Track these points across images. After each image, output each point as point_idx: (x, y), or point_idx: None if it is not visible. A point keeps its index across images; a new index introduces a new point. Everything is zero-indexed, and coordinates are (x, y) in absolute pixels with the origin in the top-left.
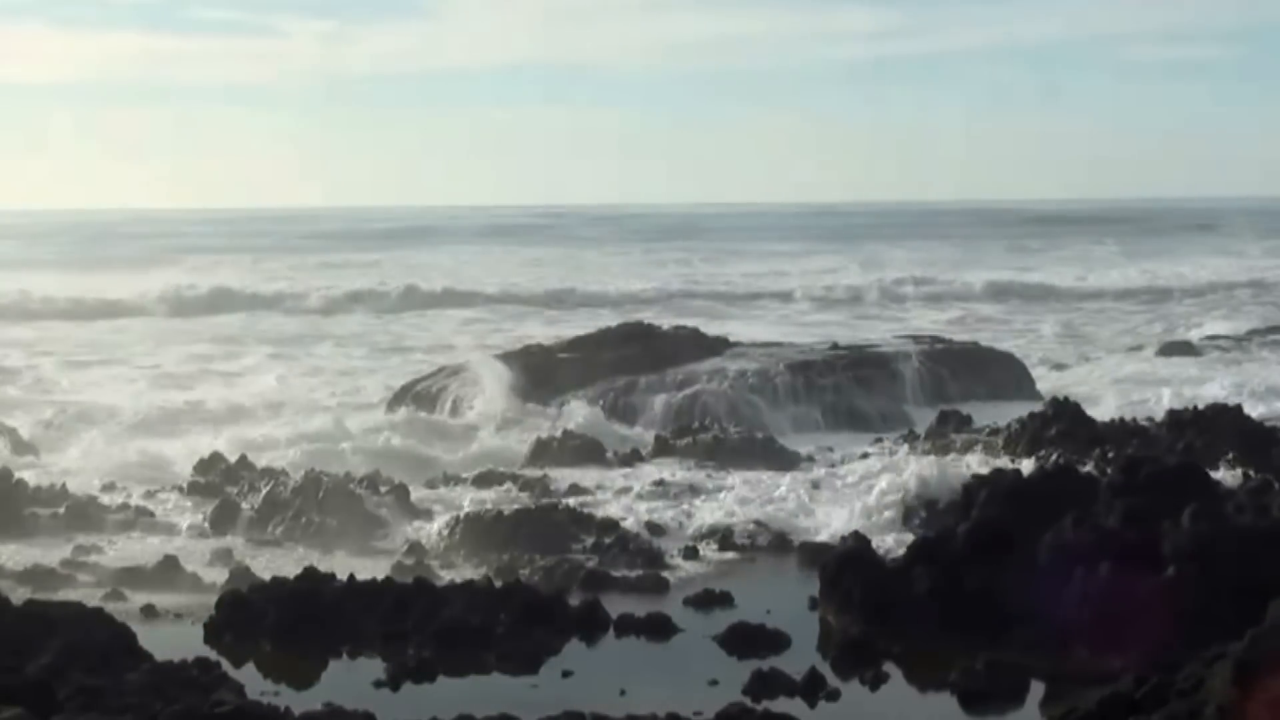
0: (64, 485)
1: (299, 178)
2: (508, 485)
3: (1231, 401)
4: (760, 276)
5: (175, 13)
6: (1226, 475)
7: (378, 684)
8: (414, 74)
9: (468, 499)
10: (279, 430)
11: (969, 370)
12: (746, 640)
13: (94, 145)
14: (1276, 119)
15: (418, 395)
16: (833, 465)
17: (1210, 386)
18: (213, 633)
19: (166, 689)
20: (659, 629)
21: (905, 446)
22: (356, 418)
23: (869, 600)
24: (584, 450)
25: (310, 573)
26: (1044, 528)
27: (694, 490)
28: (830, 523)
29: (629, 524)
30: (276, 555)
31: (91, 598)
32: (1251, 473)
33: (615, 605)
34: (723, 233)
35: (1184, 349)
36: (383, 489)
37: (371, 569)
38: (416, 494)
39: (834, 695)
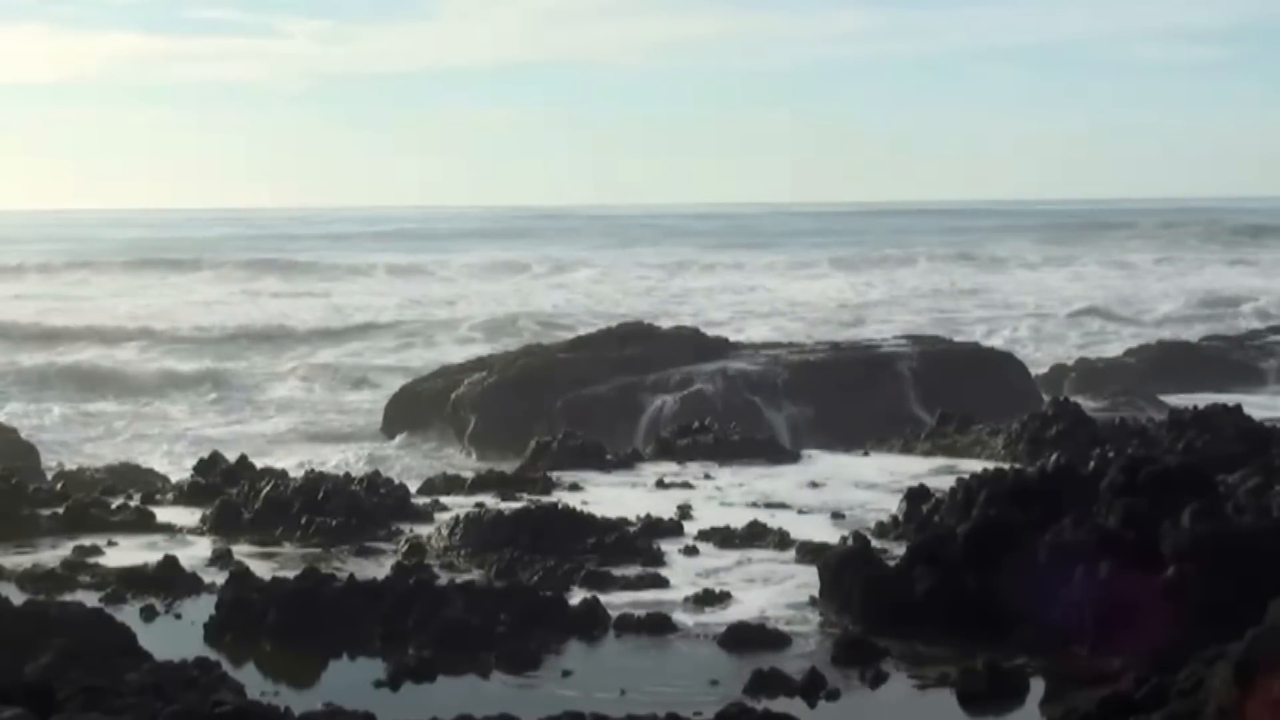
0: (63, 486)
1: (297, 177)
2: (507, 486)
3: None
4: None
5: (174, 13)
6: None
7: (378, 684)
8: (412, 73)
9: (468, 500)
10: None
11: (969, 371)
12: (746, 640)
13: (92, 145)
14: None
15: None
16: (833, 465)
17: None
18: (213, 633)
19: (166, 689)
20: (659, 629)
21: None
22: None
23: (869, 600)
24: (584, 451)
25: (310, 573)
26: (1044, 528)
27: (694, 490)
28: (830, 522)
29: (629, 524)
30: (276, 555)
31: (91, 599)
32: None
33: (615, 605)
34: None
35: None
36: (382, 489)
37: (371, 569)
38: (416, 495)
39: (834, 695)
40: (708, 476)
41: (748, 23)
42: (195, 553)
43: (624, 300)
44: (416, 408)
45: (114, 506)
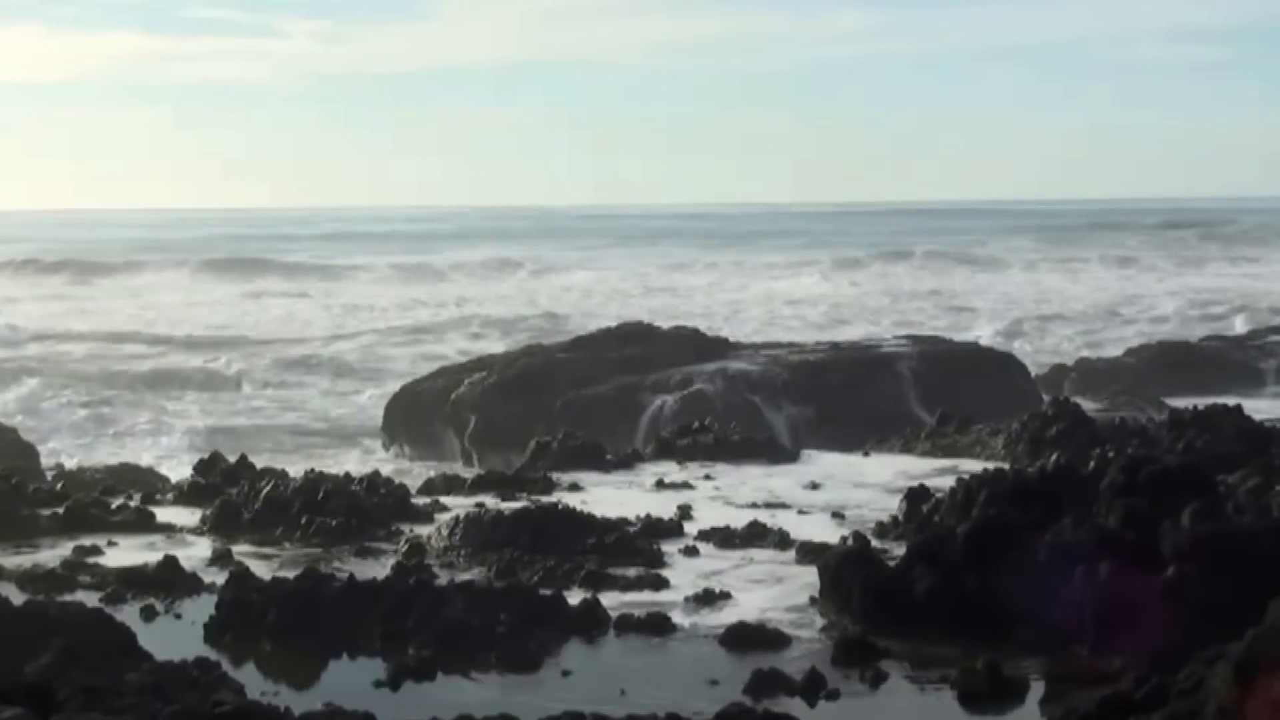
0: (63, 486)
1: (297, 177)
2: (507, 486)
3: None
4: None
5: (174, 13)
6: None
7: (378, 684)
8: (412, 73)
9: (468, 500)
10: None
11: (969, 371)
12: (746, 640)
13: (92, 145)
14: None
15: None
16: (833, 465)
17: None
18: (213, 633)
19: (166, 689)
20: (659, 629)
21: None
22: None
23: (869, 600)
24: (583, 451)
25: (310, 573)
26: (1044, 528)
27: (694, 490)
28: (830, 522)
29: (629, 524)
30: (276, 555)
31: (91, 599)
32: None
33: (615, 605)
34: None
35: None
36: (382, 489)
37: (371, 569)
38: (416, 495)
39: (834, 695)
40: (708, 477)
41: (748, 23)
42: (195, 553)
43: (624, 300)
44: (417, 408)
45: (114, 506)
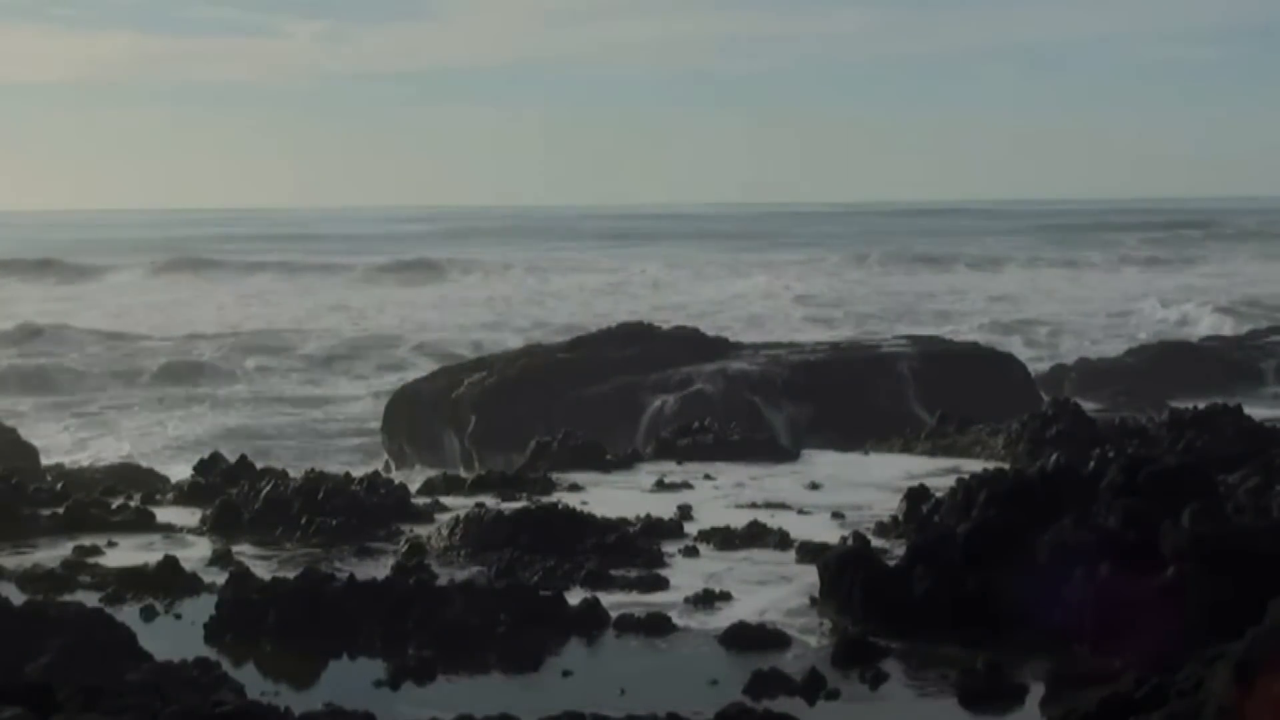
0: (63, 486)
1: (297, 177)
2: (507, 486)
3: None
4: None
5: (174, 13)
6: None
7: (378, 684)
8: (412, 73)
9: (468, 500)
10: None
11: (969, 371)
12: (746, 640)
13: (93, 145)
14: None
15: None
16: (833, 465)
17: None
18: (213, 633)
19: (166, 689)
20: (659, 629)
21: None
22: None
23: (869, 600)
24: (583, 451)
25: (310, 573)
26: (1044, 528)
27: (694, 491)
28: (830, 522)
29: (629, 524)
30: (276, 555)
31: (91, 599)
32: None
33: (615, 605)
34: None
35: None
36: (382, 489)
37: (371, 569)
38: (416, 495)
39: (834, 695)
40: (708, 477)
41: (746, 23)
42: (195, 553)
43: (624, 300)
44: (417, 408)
45: (114, 506)
